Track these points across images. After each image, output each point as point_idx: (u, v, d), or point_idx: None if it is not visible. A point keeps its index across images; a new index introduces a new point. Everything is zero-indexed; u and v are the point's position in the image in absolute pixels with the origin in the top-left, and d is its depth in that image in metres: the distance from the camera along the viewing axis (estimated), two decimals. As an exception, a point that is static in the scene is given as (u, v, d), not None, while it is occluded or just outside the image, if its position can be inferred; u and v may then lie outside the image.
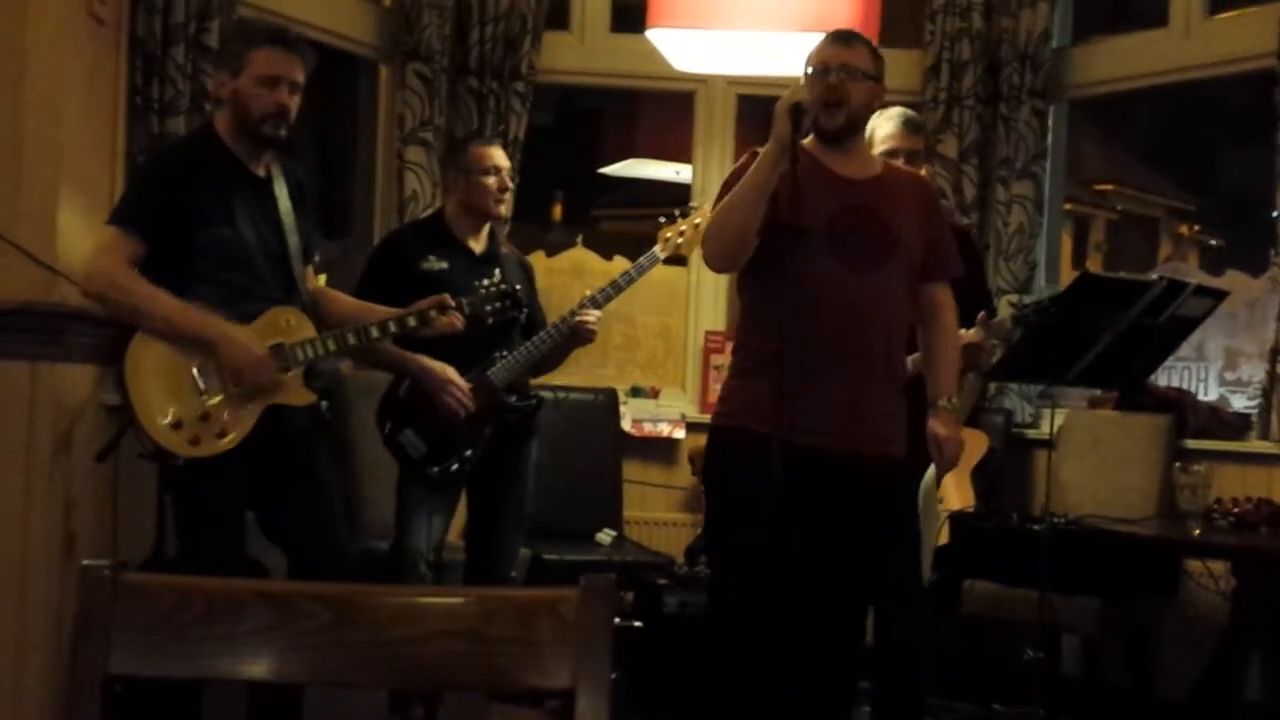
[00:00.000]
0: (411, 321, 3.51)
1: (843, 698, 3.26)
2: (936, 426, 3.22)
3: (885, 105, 4.09)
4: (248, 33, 3.42)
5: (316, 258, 3.65)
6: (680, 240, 4.06)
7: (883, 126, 3.87)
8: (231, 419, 3.25)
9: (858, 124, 3.21)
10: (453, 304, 3.55)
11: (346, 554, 3.50)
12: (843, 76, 3.12)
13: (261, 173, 3.37)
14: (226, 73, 3.32)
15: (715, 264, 3.25)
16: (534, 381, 4.20)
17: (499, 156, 4.09)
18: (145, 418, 3.23)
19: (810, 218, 3.02)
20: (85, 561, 1.33)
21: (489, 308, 3.69)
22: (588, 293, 4.05)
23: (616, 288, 4.03)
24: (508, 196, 4.15)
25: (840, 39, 3.21)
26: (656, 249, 4.08)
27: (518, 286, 3.78)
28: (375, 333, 3.47)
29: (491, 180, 4.03)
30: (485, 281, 3.73)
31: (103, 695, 1.30)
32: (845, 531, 3.12)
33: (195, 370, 3.24)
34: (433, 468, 3.95)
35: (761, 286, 3.17)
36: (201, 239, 3.24)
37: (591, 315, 4.00)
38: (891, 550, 3.36)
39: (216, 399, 3.24)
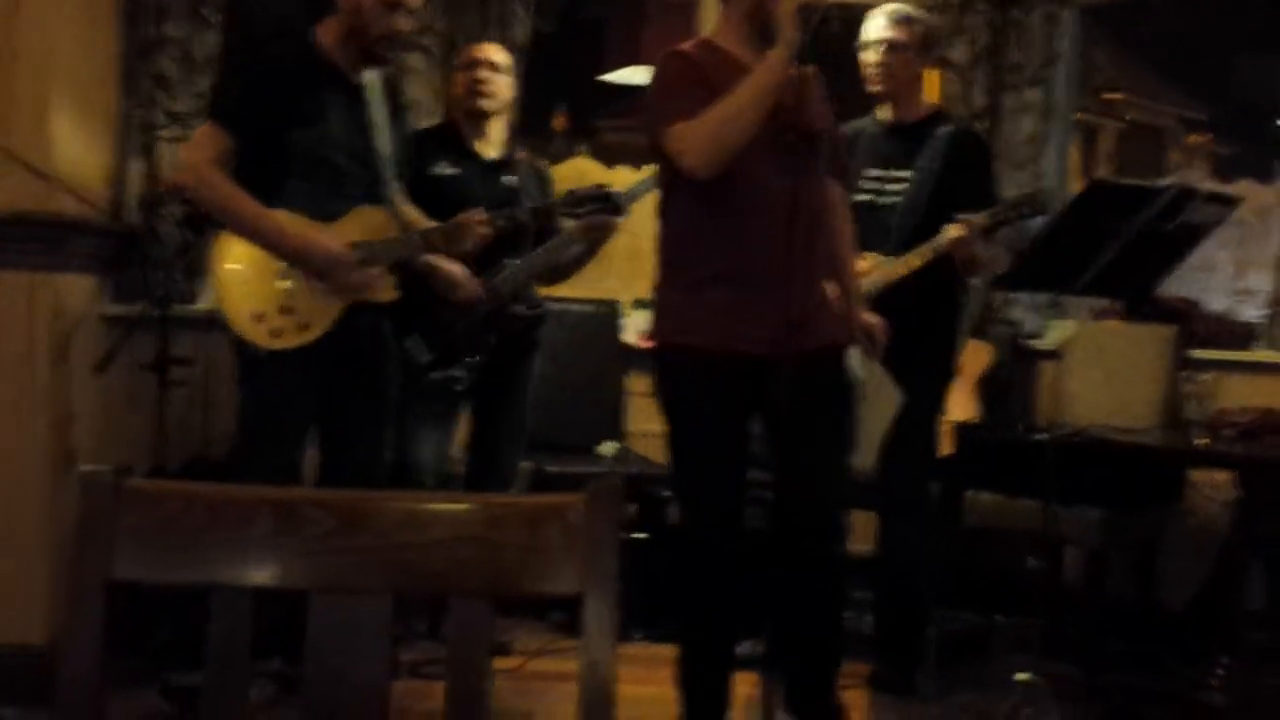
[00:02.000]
0: (523, 216, 3.69)
1: (831, 599, 3.23)
2: (867, 317, 3.30)
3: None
4: None
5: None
6: None
7: (866, 24, 3.87)
8: (315, 311, 3.32)
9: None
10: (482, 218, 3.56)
11: (379, 472, 3.54)
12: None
13: (356, 80, 3.41)
14: None
15: (705, 171, 3.00)
16: (541, 292, 4.17)
17: (484, 50, 4.07)
18: (229, 308, 3.31)
19: (810, 123, 2.97)
20: (84, 467, 1.31)
21: (581, 209, 3.72)
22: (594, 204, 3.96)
23: (632, 197, 3.94)
24: (496, 90, 4.04)
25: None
26: None
27: (520, 212, 3.75)
28: (469, 229, 3.52)
29: (471, 73, 4.00)
30: (498, 217, 3.65)
31: (106, 602, 1.29)
32: (811, 427, 3.08)
33: (276, 262, 3.31)
34: (434, 373, 3.93)
35: (708, 194, 3.04)
36: (292, 137, 3.29)
37: (604, 221, 3.92)
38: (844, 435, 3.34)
39: (301, 290, 3.31)
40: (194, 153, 3.33)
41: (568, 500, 1.35)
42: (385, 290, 3.44)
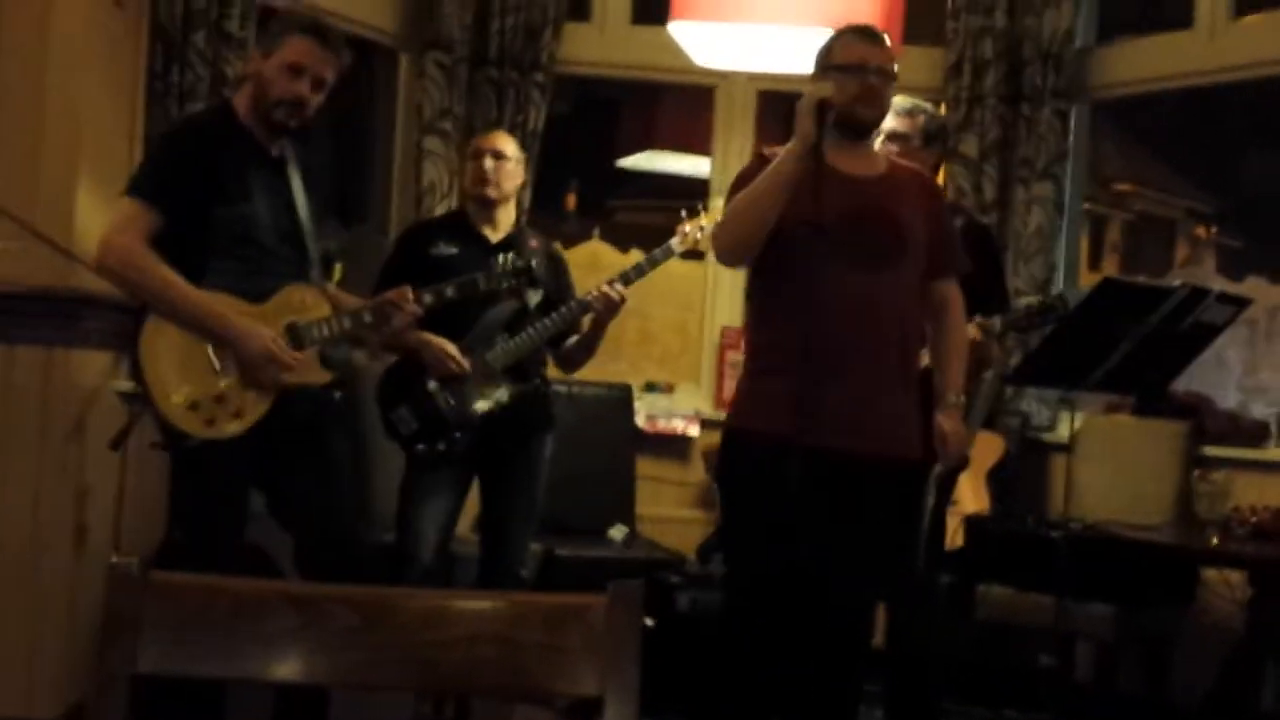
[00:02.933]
0: (450, 291, 3.56)
1: (849, 698, 3.23)
2: (943, 421, 3.24)
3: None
4: (290, 17, 3.42)
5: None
6: (699, 235, 4.04)
7: None
8: (248, 400, 3.23)
9: (878, 120, 3.25)
10: (410, 298, 3.46)
11: (354, 537, 3.46)
12: (881, 79, 3.12)
13: (276, 152, 3.35)
14: (259, 50, 3.34)
15: (727, 258, 3.25)
16: (551, 375, 4.19)
17: (494, 141, 4.10)
18: (160, 397, 3.20)
19: (821, 216, 3.00)
20: (114, 559, 1.32)
21: (505, 284, 3.68)
22: (594, 291, 4.00)
23: (626, 279, 3.99)
24: (502, 180, 4.06)
25: (872, 37, 3.19)
26: (674, 242, 4.05)
27: (534, 262, 3.76)
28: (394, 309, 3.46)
29: (479, 163, 4.04)
30: (501, 257, 3.73)
31: (131, 695, 1.29)
32: (854, 532, 3.10)
33: (210, 350, 3.22)
34: (420, 445, 3.94)
35: (771, 287, 3.16)
36: (218, 214, 3.21)
37: (606, 290, 3.95)
38: (899, 552, 3.35)
39: (232, 379, 3.22)
40: (120, 234, 3.19)
41: (589, 601, 1.35)
42: (316, 374, 3.34)
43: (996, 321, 3.83)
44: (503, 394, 3.95)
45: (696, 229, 4.03)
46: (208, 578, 1.37)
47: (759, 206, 3.03)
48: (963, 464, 3.97)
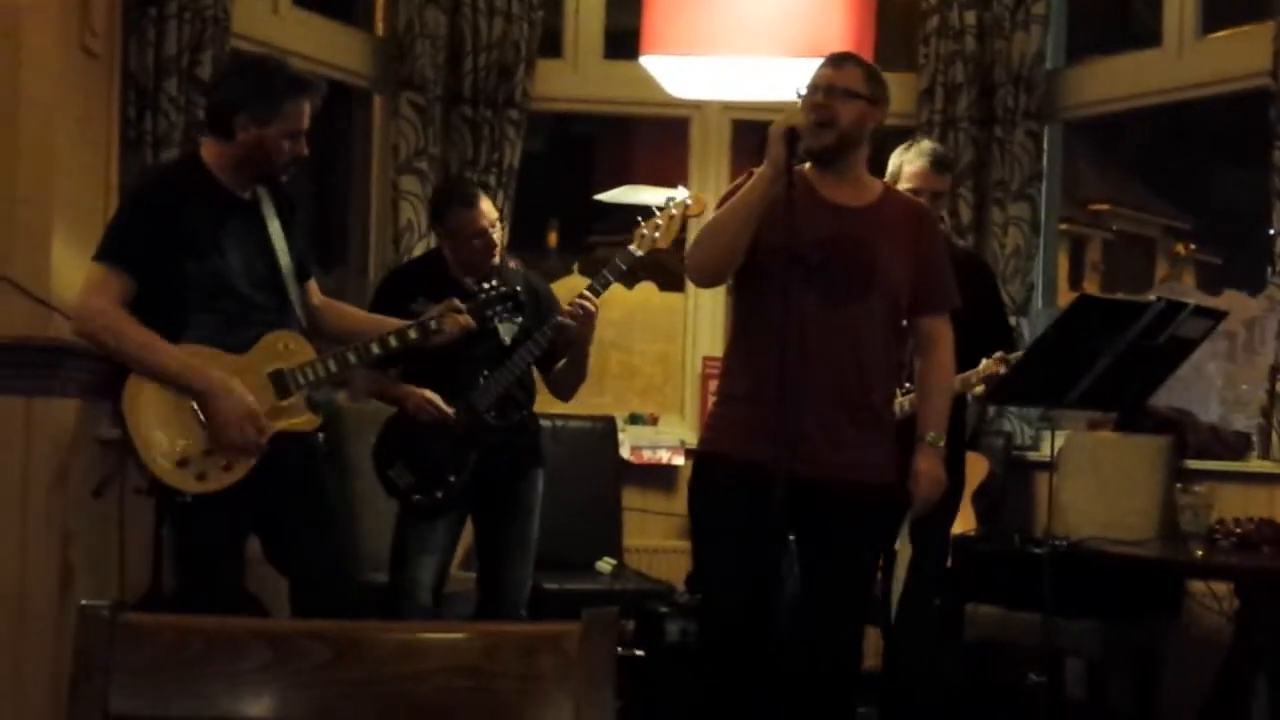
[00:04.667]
0: (413, 335, 3.49)
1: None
2: (919, 462, 3.18)
3: (914, 139, 4.08)
4: (281, 79, 3.29)
5: (312, 279, 3.61)
6: (657, 235, 3.99)
7: (911, 163, 3.84)
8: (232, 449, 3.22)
9: (849, 144, 3.13)
10: (461, 306, 3.55)
11: (350, 581, 3.48)
12: (829, 97, 3.07)
13: (248, 196, 3.33)
14: (251, 118, 3.22)
15: (696, 277, 3.28)
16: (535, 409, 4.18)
17: (486, 215, 3.97)
18: (149, 458, 3.18)
19: (796, 244, 2.98)
20: (84, 601, 1.32)
21: (489, 312, 3.67)
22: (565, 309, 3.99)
23: (594, 290, 3.95)
24: (499, 240, 4.05)
25: (832, 60, 3.18)
26: (632, 246, 4.00)
27: (518, 288, 3.76)
28: (376, 348, 3.44)
29: (479, 243, 3.96)
30: (485, 285, 3.72)
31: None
32: (821, 557, 3.09)
33: (195, 405, 3.21)
34: (417, 496, 3.94)
35: (746, 312, 3.17)
36: (191, 270, 3.20)
37: (578, 301, 3.93)
38: (869, 577, 3.32)
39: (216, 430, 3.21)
40: (94, 299, 3.18)
41: (563, 630, 1.35)
42: (305, 419, 3.33)
43: (1020, 355, 3.83)
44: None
45: (654, 230, 4.00)
46: (179, 617, 1.37)
47: (727, 229, 3.05)
48: (958, 489, 3.96)
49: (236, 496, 3.23)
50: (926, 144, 3.95)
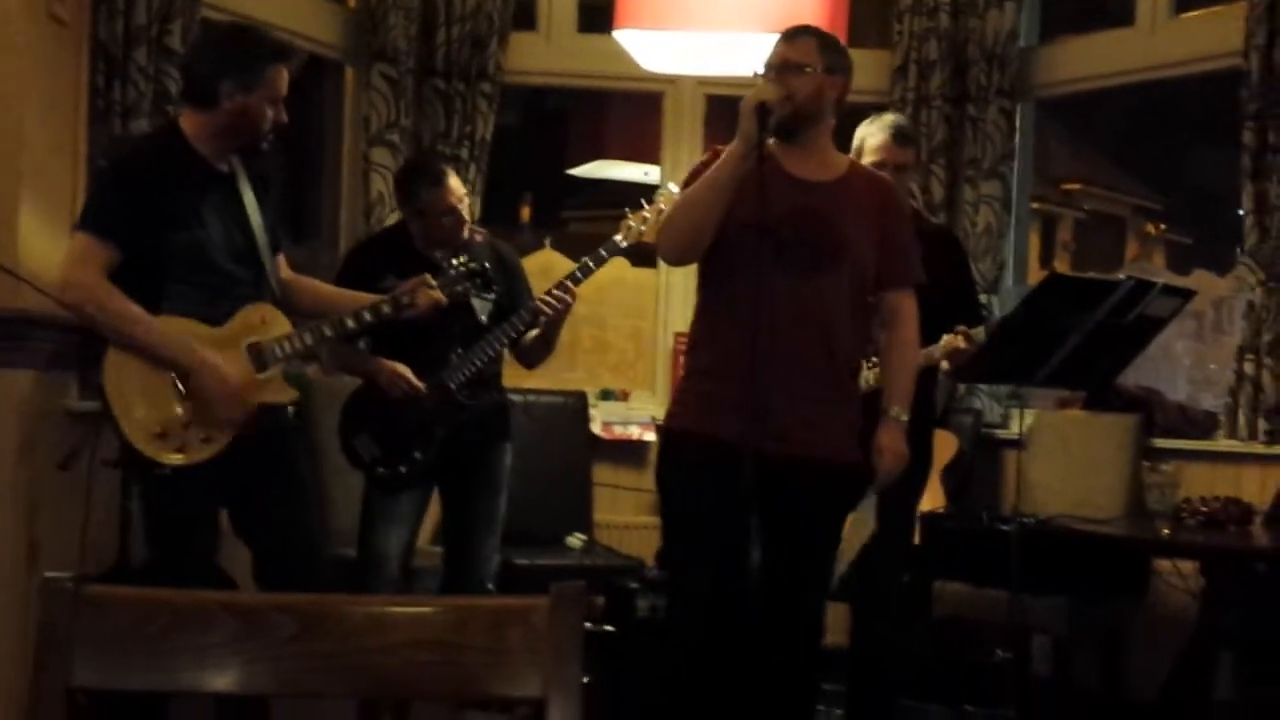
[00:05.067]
0: (386, 308, 3.49)
1: (805, 698, 3.24)
2: (881, 436, 3.18)
3: (879, 111, 4.07)
4: (260, 46, 3.30)
5: (281, 255, 3.59)
6: (643, 228, 4.01)
7: (873, 136, 3.83)
8: (217, 424, 3.22)
9: (806, 117, 3.10)
10: (433, 282, 3.54)
11: (316, 556, 3.47)
12: (783, 74, 3.06)
13: (225, 169, 3.32)
14: (236, 85, 3.21)
15: (668, 256, 3.24)
16: (505, 383, 4.18)
17: (453, 192, 3.95)
18: (130, 430, 3.18)
19: (765, 219, 2.97)
20: (47, 574, 1.31)
21: (459, 287, 3.66)
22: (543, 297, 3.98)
23: (575, 278, 3.98)
24: (468, 216, 4.04)
25: (786, 35, 3.17)
26: (618, 237, 4.03)
27: (486, 264, 3.75)
28: (351, 322, 3.46)
29: (448, 221, 3.95)
30: (455, 261, 3.70)
31: (67, 708, 1.28)
32: (787, 534, 3.08)
33: (174, 377, 3.20)
34: (380, 470, 3.94)
35: (714, 287, 3.15)
36: (172, 241, 3.20)
37: (556, 294, 3.94)
38: (833, 552, 3.32)
39: (201, 405, 3.20)
40: (78, 270, 3.18)
41: (531, 603, 1.35)
42: (282, 392, 3.34)
43: (982, 331, 3.83)
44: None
45: (640, 222, 4.01)
46: (144, 590, 1.36)
47: (700, 206, 3.04)
48: (924, 467, 3.97)
49: (212, 469, 3.23)
50: (889, 117, 3.95)
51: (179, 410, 3.19)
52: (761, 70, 3.11)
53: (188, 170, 3.25)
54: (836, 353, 3.12)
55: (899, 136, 3.83)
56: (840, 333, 3.11)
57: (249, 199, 3.35)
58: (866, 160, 3.72)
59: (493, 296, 3.94)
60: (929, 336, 3.62)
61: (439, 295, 3.57)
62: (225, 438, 3.22)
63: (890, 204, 3.24)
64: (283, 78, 3.27)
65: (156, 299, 3.20)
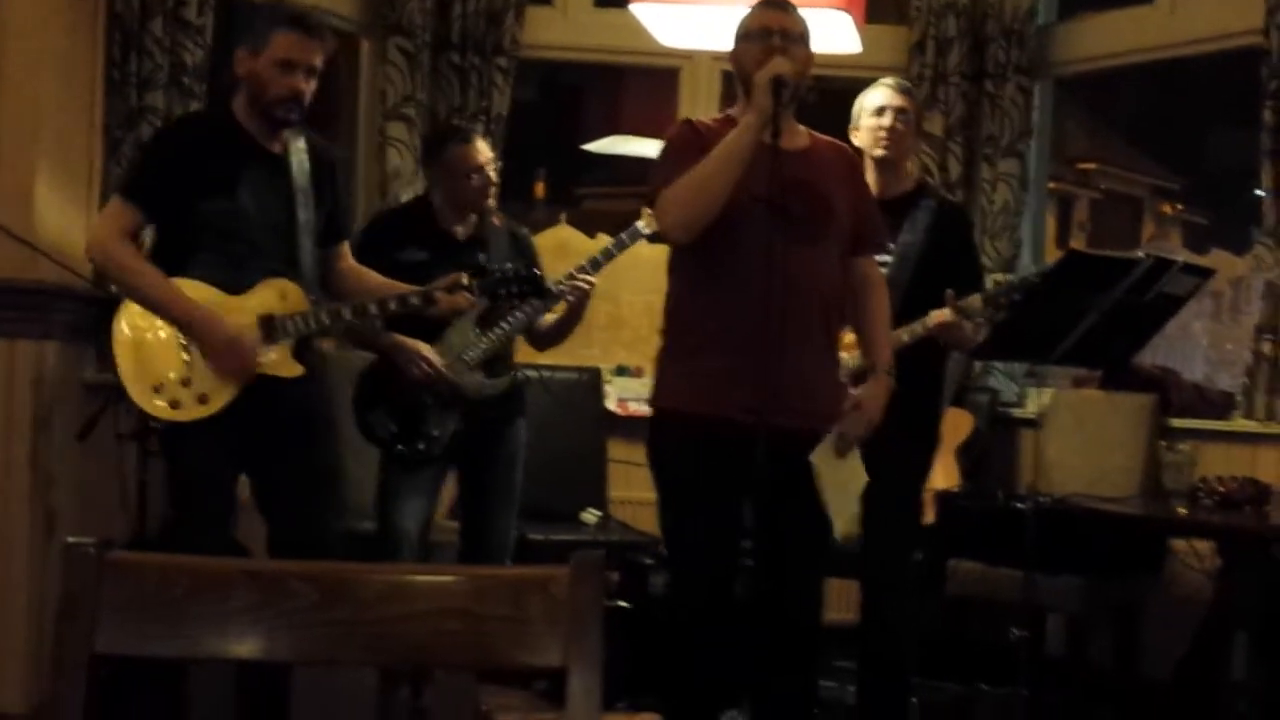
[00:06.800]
0: (414, 301, 3.49)
1: (809, 673, 3.23)
2: (867, 388, 3.15)
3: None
4: (272, 13, 3.40)
5: (345, 243, 3.62)
6: None
7: (871, 91, 3.86)
8: (214, 385, 3.25)
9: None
10: (465, 284, 3.51)
11: (328, 536, 3.48)
12: (786, 42, 3.07)
13: (277, 149, 3.36)
14: (247, 50, 3.30)
15: (680, 234, 3.08)
16: (519, 359, 4.18)
17: (482, 153, 3.96)
18: (127, 380, 3.25)
19: (770, 191, 2.96)
20: (70, 539, 1.31)
21: (502, 291, 3.63)
22: (563, 281, 3.98)
23: (595, 264, 3.98)
24: (494, 180, 4.06)
25: (777, 4, 3.17)
26: (640, 224, 4.03)
27: (538, 270, 3.73)
28: (373, 309, 3.46)
29: (476, 180, 3.94)
30: (498, 268, 3.64)
31: (89, 674, 1.28)
32: (788, 507, 3.07)
33: (179, 336, 3.25)
34: (399, 446, 3.94)
35: (712, 261, 3.09)
36: (203, 209, 3.25)
37: (577, 279, 3.94)
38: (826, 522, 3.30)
39: (200, 364, 3.24)
40: (101, 228, 3.35)
41: (551, 572, 1.35)
42: (288, 367, 3.35)
43: (977, 299, 3.81)
44: (497, 384, 3.94)
45: None
46: (165, 556, 1.36)
47: (715, 181, 2.99)
48: (931, 443, 3.96)
49: (219, 433, 3.25)
50: (883, 78, 3.98)
51: (177, 368, 3.24)
52: (747, 35, 3.13)
53: (229, 143, 3.31)
54: (830, 321, 3.15)
55: (897, 85, 3.85)
56: (834, 301, 3.14)
57: (299, 180, 3.38)
58: (868, 116, 3.78)
59: (528, 312, 3.92)
60: (929, 306, 3.63)
61: (471, 301, 3.56)
62: (222, 398, 3.25)
63: (855, 171, 3.31)
64: (288, 42, 3.27)
65: (182, 264, 3.26)
